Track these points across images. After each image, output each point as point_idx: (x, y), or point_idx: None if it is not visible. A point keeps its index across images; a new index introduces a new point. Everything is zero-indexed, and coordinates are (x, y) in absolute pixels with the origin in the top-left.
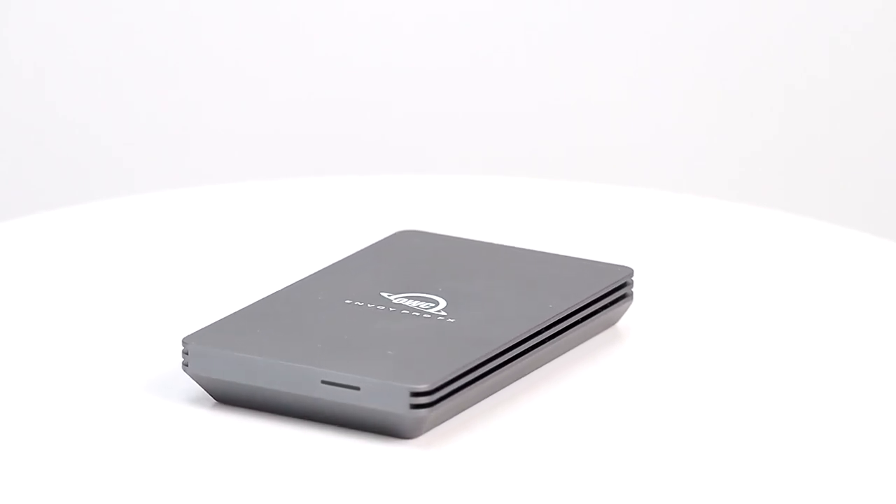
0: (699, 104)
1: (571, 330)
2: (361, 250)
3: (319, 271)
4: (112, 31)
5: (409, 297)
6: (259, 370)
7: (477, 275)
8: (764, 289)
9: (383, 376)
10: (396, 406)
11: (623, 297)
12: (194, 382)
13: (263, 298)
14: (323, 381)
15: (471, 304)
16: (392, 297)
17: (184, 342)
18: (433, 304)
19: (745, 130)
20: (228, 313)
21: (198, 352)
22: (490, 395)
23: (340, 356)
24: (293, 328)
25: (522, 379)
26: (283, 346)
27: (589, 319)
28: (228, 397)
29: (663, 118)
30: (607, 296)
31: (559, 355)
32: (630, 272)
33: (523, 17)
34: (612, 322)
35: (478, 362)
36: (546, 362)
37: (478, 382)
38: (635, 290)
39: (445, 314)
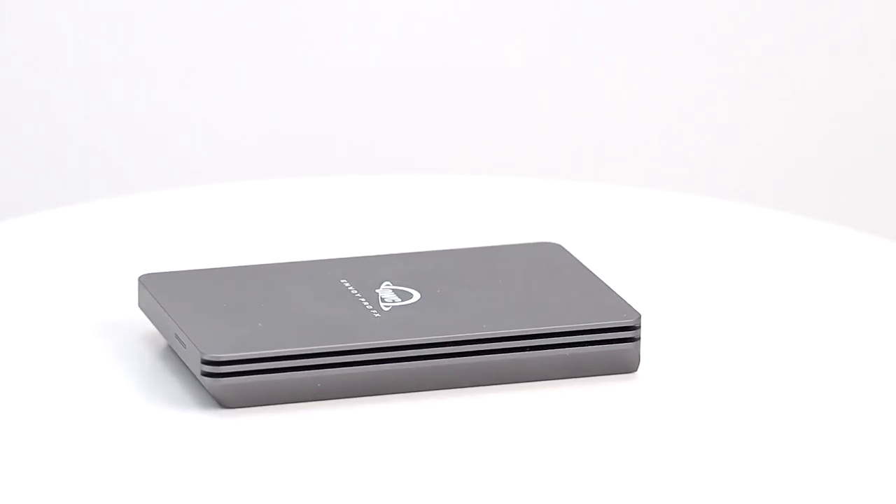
0: (700, 105)
1: (517, 354)
2: (482, 247)
3: (391, 254)
4: (111, 31)
5: (394, 289)
6: (159, 317)
7: (498, 284)
8: (764, 289)
9: (197, 339)
10: (196, 370)
11: (621, 340)
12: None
13: (278, 263)
14: (175, 335)
15: (432, 306)
16: (381, 286)
17: (139, 280)
18: (400, 299)
19: (747, 131)
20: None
21: (142, 293)
22: (395, 392)
23: (207, 317)
24: (234, 290)
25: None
26: (190, 301)
27: (551, 351)
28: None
29: (665, 119)
30: (584, 333)
31: (527, 380)
32: (637, 317)
33: (524, 18)
34: (618, 367)
35: (316, 351)
36: (500, 382)
37: (328, 371)
38: (635, 291)
39: (386, 308)
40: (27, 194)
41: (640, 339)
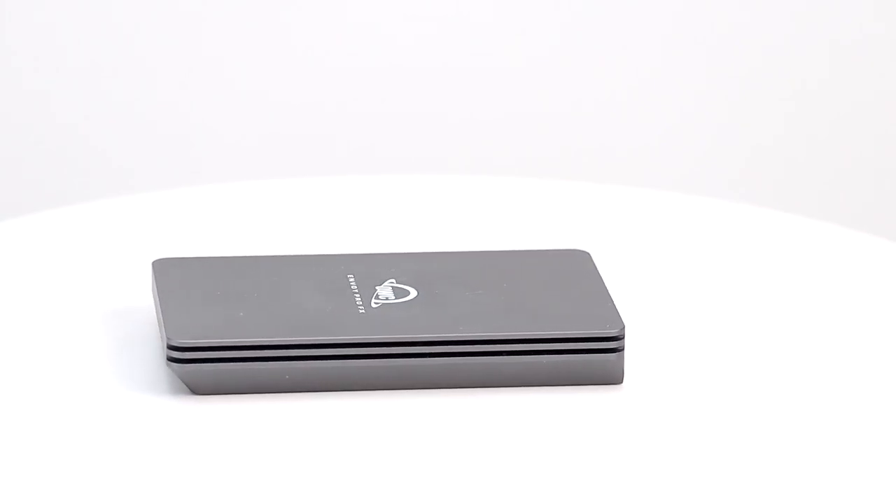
0: (700, 105)
1: (491, 358)
2: (508, 251)
3: (406, 253)
4: (111, 31)
5: (394, 287)
6: (156, 302)
7: (502, 288)
8: (763, 289)
9: (169, 325)
10: (164, 354)
11: (602, 350)
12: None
13: (292, 255)
14: (159, 320)
15: (422, 306)
16: (382, 283)
17: (152, 265)
18: (394, 297)
19: (747, 131)
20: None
21: (152, 279)
22: (361, 389)
23: (193, 303)
24: (237, 278)
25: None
26: (185, 287)
27: (526, 357)
28: None
29: (665, 119)
30: (561, 341)
31: (504, 385)
32: (620, 328)
33: (524, 18)
34: (601, 377)
35: (282, 342)
36: (475, 385)
37: (296, 364)
38: (630, 289)
39: (375, 305)
40: (27, 194)
41: (623, 349)
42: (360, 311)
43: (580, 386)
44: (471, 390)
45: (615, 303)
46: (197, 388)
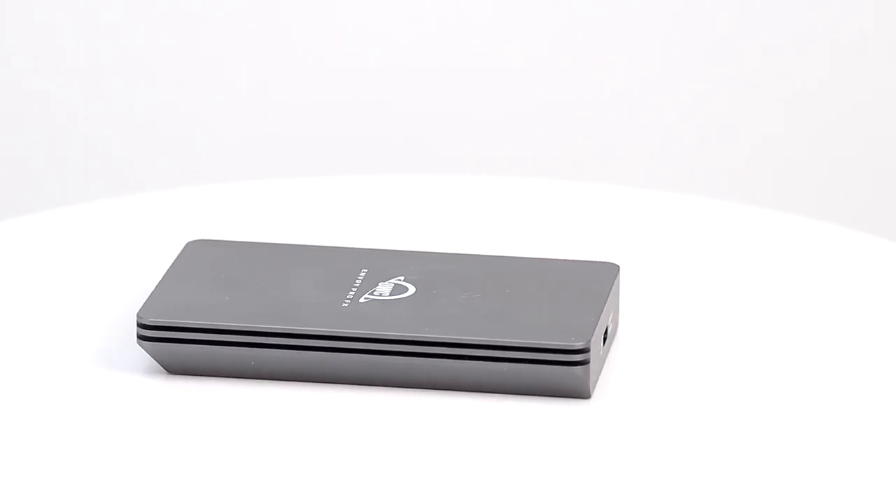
0: (701, 105)
1: (450, 361)
2: (538, 257)
3: (435, 253)
4: (111, 31)
5: (394, 283)
6: None
7: (504, 294)
8: (763, 289)
9: (148, 303)
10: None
11: (564, 363)
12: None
13: (321, 246)
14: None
15: (408, 305)
16: (388, 279)
17: (186, 245)
18: (388, 294)
19: (748, 131)
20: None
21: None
22: (323, 381)
23: (187, 285)
24: (251, 263)
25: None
26: (194, 269)
27: (485, 363)
28: None
29: (665, 119)
30: (521, 350)
31: (467, 389)
32: (585, 341)
33: (524, 18)
34: (566, 390)
35: (244, 328)
36: (436, 387)
37: (259, 351)
38: (629, 290)
39: (363, 301)
40: (27, 194)
41: (588, 363)
42: (343, 305)
43: (548, 397)
44: (431, 391)
45: (602, 315)
46: (167, 367)
